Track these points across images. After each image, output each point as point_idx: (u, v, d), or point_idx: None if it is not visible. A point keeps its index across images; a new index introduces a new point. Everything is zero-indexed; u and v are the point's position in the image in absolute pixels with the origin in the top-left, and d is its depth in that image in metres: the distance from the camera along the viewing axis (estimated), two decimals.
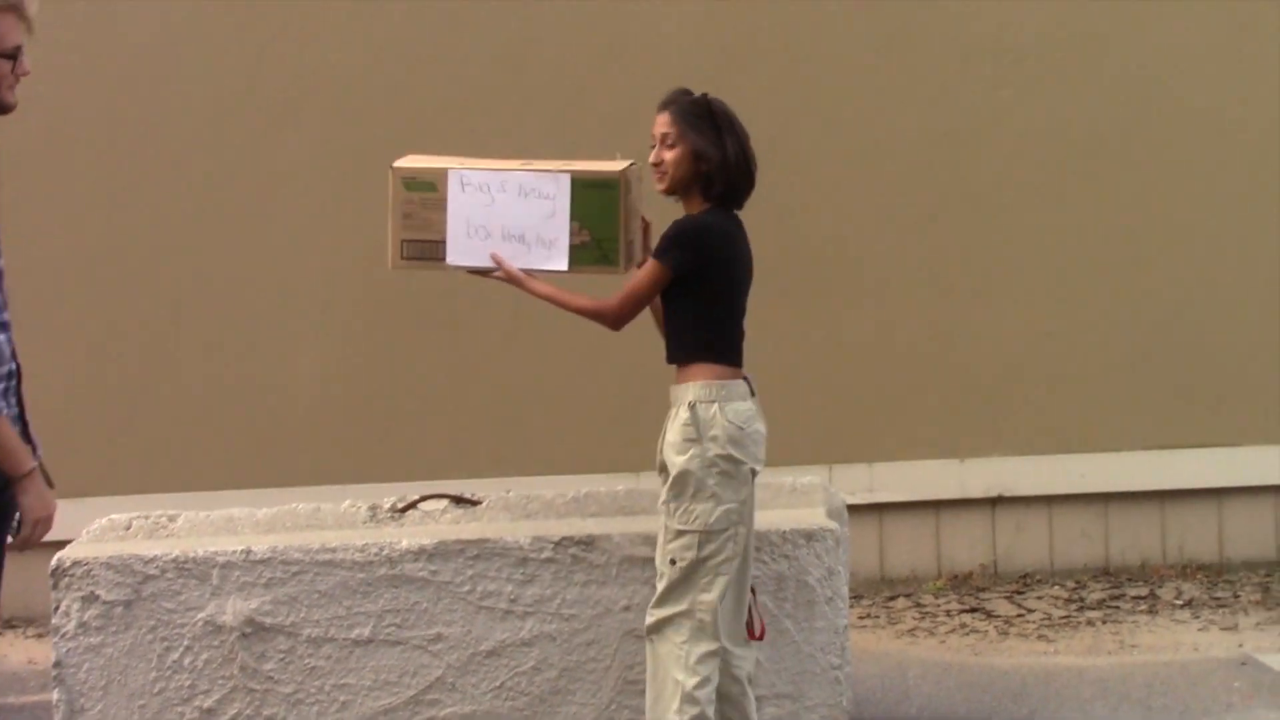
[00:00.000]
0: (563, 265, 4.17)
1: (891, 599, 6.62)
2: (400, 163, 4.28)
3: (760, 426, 4.10)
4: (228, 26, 6.82)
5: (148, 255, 6.81)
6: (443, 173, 4.20)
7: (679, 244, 4.03)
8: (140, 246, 6.82)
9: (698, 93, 4.14)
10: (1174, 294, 6.88)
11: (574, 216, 4.14)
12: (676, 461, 4.00)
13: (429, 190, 4.20)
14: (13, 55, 3.60)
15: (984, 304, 6.87)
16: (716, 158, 4.05)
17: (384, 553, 4.42)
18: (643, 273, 4.09)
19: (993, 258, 6.87)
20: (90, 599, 4.41)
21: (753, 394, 4.11)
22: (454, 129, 6.74)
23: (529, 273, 4.19)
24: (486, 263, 4.20)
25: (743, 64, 6.76)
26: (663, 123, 4.09)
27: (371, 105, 6.82)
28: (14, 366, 3.61)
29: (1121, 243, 6.88)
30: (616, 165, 4.20)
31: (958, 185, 6.87)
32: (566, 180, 4.14)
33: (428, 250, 4.24)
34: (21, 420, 3.63)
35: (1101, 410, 6.87)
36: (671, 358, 4.14)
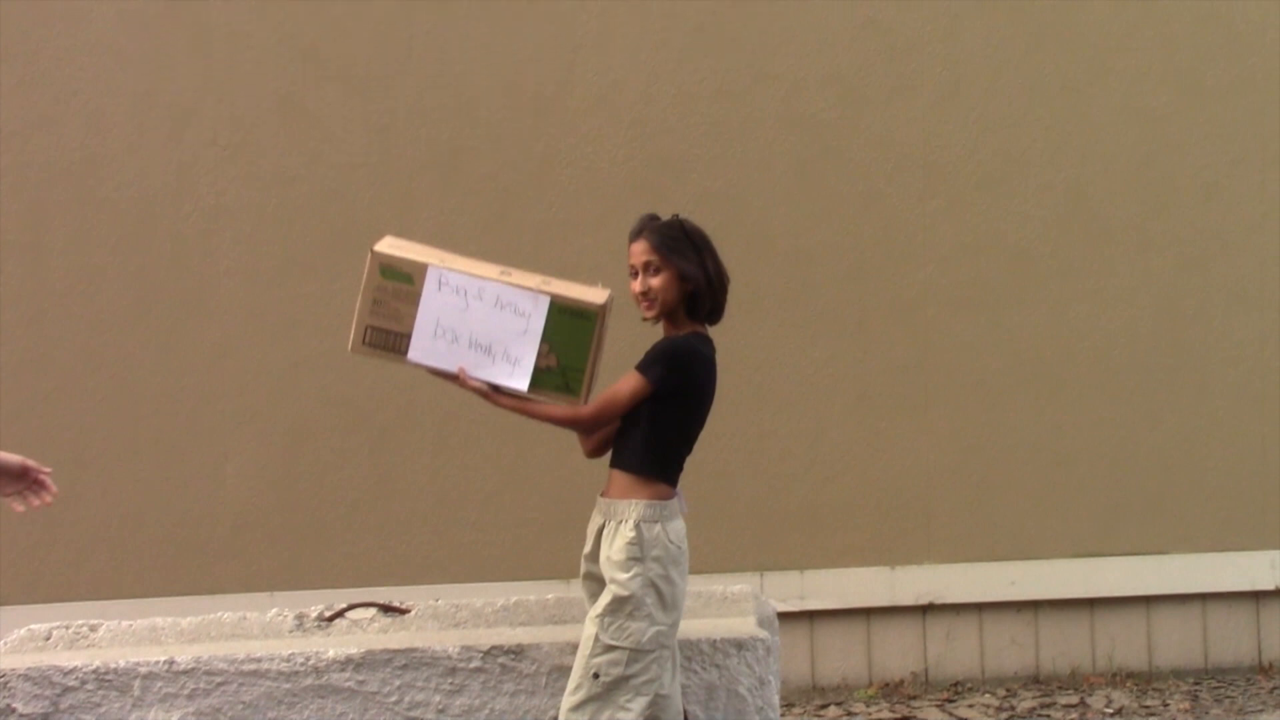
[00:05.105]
0: (523, 385, 4.09)
1: (823, 707, 6.58)
2: (380, 246, 4.16)
3: (687, 544, 4.12)
4: (159, 131, 6.82)
5: (71, 358, 6.74)
6: (423, 267, 4.11)
7: (667, 364, 4.03)
8: (64, 351, 6.75)
9: (665, 216, 4.17)
10: (1102, 403, 6.97)
11: (545, 339, 4.08)
12: (620, 578, 3.98)
13: (405, 281, 4.10)
14: None
15: (914, 412, 6.92)
16: (701, 278, 4.08)
17: (310, 663, 4.36)
18: (624, 384, 4.05)
19: (921, 365, 6.94)
20: (6, 712, 4.30)
21: (683, 508, 4.12)
22: (387, 231, 6.75)
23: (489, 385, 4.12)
24: (446, 365, 4.11)
25: (672, 171, 6.85)
26: (641, 251, 4.10)
27: (301, 210, 6.82)
28: None
29: (1048, 351, 6.97)
30: (598, 295, 4.12)
31: (886, 294, 6.94)
32: (546, 302, 4.07)
33: (390, 341, 4.13)
34: None
35: (1030, 518, 6.92)
36: (618, 464, 4.12)
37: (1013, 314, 6.98)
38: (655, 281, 4.08)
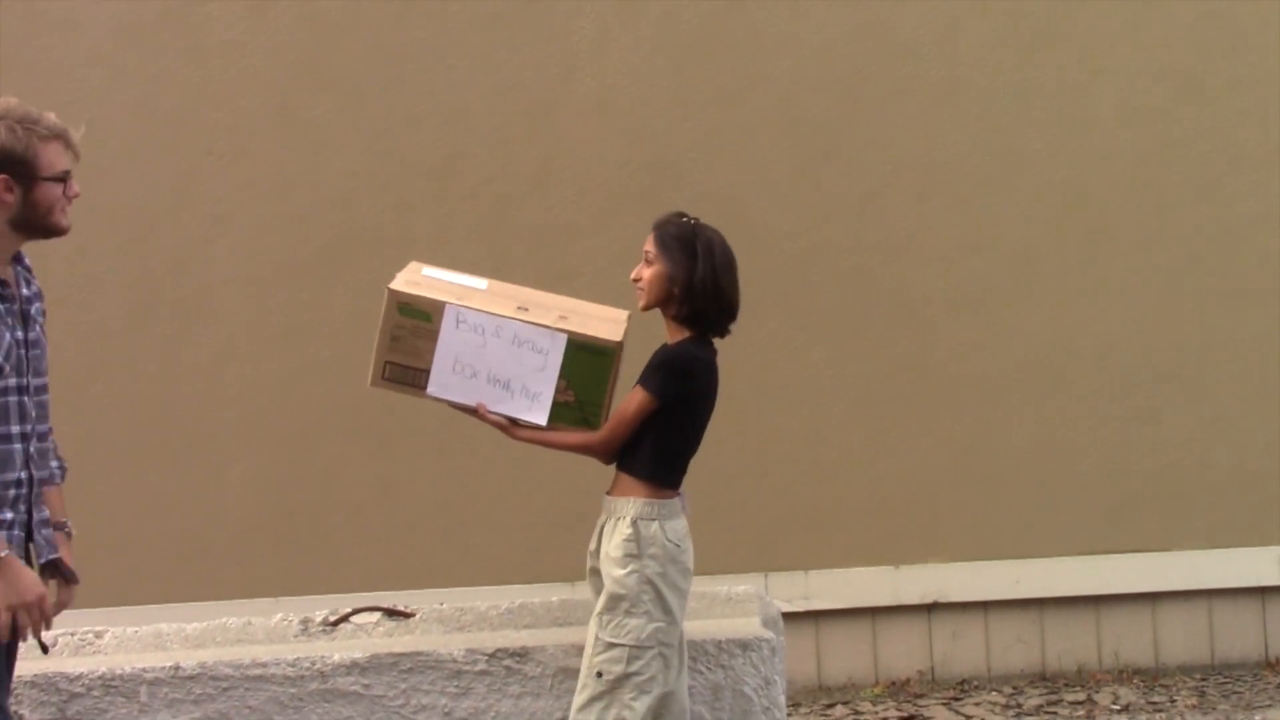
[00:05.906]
0: (542, 420, 4.15)
1: (829, 707, 6.58)
2: (396, 284, 4.20)
3: (690, 544, 4.13)
4: (156, 140, 6.83)
5: (72, 367, 6.73)
6: (440, 305, 4.14)
7: (669, 374, 4.07)
8: (65, 360, 6.74)
9: (690, 216, 4.20)
10: (1104, 400, 6.97)
11: (563, 375, 4.13)
12: (616, 575, 4.01)
13: (423, 319, 4.14)
14: (63, 179, 3.84)
15: (916, 411, 6.92)
16: (683, 281, 4.10)
17: (315, 667, 4.36)
18: (629, 403, 4.09)
19: (923, 365, 6.94)
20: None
21: (685, 509, 4.14)
22: (385, 237, 6.77)
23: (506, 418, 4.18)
24: (465, 399, 4.17)
25: (671, 175, 6.85)
26: (648, 241, 4.16)
27: (299, 216, 6.83)
28: (22, 476, 3.65)
29: (1049, 349, 6.97)
30: (615, 331, 4.19)
31: (887, 294, 6.94)
32: (563, 340, 4.12)
33: (410, 376, 4.18)
34: (28, 527, 3.70)
35: (1034, 516, 6.92)
36: (624, 467, 4.15)
37: (1013, 313, 6.98)
38: (647, 273, 4.14)
